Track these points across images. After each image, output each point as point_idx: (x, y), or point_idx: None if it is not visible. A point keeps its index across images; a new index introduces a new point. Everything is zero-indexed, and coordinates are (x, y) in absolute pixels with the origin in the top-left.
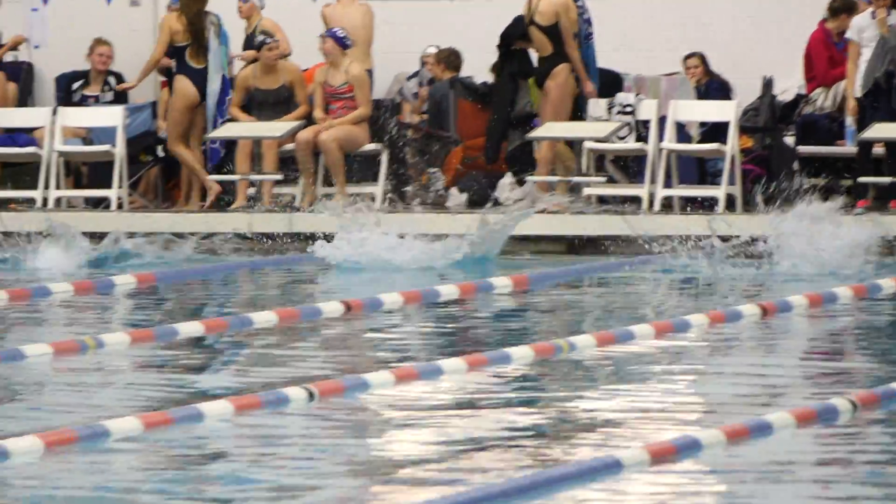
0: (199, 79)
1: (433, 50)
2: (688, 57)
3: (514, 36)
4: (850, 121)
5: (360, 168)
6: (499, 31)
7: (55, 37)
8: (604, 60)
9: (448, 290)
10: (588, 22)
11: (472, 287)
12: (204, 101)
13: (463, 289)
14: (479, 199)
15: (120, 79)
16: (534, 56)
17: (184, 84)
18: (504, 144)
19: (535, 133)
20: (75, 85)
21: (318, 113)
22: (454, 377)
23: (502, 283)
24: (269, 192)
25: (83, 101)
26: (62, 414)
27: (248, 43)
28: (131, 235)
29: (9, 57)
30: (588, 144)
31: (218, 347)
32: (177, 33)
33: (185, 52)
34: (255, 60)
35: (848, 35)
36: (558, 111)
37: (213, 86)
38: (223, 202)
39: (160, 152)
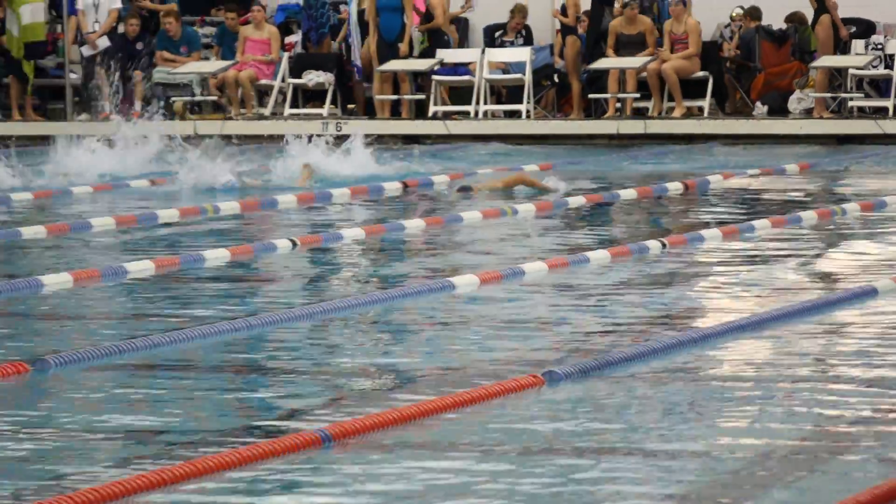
0: None
1: (739, 10)
2: None
3: None
4: None
5: (694, 88)
6: None
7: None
8: (861, 12)
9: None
10: None
11: (770, 171)
12: None
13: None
14: (776, 109)
15: (529, 31)
16: None
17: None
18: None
19: (815, 63)
20: (497, 33)
21: (664, 54)
22: (763, 232)
23: (791, 168)
24: (630, 106)
25: (503, 45)
26: (490, 259)
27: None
28: (539, 137)
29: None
30: (851, 71)
31: (596, 214)
32: None
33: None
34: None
35: None
36: (826, 47)
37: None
38: (598, 112)
39: (556, 79)
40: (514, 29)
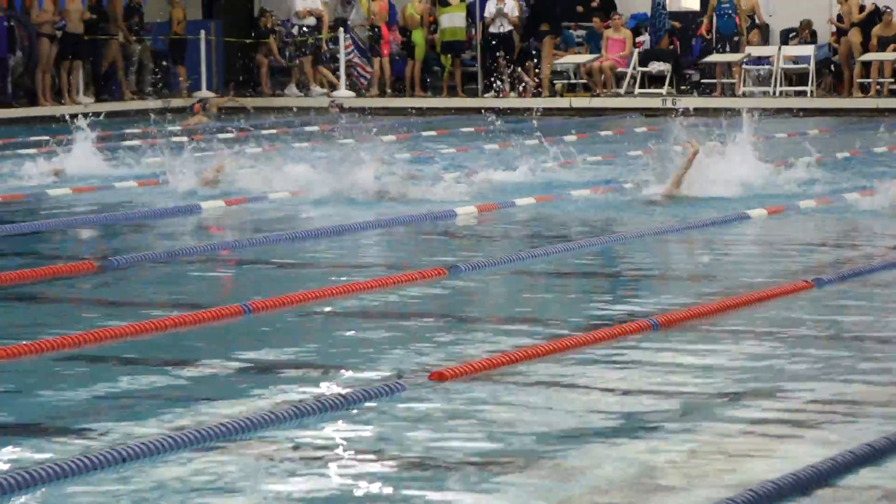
0: None
1: None
2: None
3: None
4: None
5: None
6: None
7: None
8: None
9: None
10: None
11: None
12: None
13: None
14: None
15: (814, 33)
16: None
17: None
18: None
19: None
20: (791, 34)
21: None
22: None
23: None
24: (887, 88)
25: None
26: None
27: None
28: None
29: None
30: None
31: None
32: None
33: None
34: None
35: None
36: None
37: None
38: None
39: (832, 69)
40: (803, 34)
